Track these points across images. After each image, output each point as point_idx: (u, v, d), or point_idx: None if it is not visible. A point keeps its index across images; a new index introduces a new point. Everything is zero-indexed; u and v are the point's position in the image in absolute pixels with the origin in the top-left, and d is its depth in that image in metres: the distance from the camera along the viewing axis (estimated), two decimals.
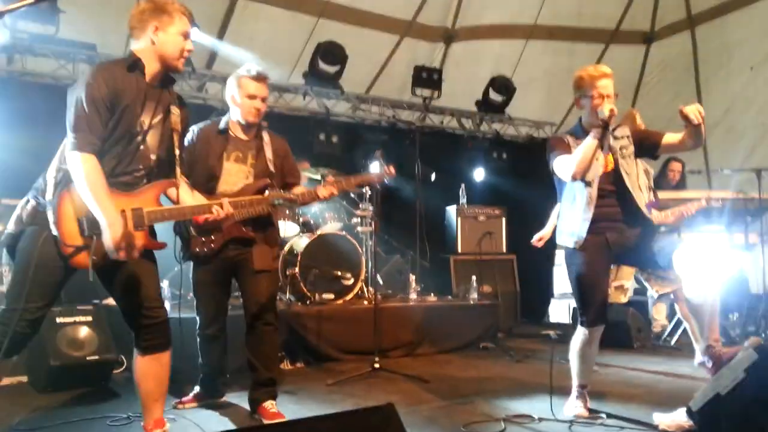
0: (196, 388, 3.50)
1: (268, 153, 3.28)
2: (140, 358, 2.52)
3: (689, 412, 2.90)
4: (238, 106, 3.22)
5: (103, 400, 3.52)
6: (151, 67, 2.49)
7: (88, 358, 3.76)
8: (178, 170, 2.59)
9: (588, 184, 3.07)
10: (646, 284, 4.78)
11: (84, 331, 3.86)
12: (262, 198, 3.00)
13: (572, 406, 3.26)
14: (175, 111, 2.56)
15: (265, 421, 3.11)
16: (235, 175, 3.23)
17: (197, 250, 3.20)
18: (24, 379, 3.87)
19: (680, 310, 4.21)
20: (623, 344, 5.04)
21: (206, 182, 3.19)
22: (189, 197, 2.65)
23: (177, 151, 2.57)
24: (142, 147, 2.47)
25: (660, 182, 5.56)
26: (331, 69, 6.77)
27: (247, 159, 3.25)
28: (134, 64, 2.45)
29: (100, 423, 3.08)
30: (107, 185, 2.32)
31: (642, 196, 3.23)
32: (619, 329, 5.03)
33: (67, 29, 5.52)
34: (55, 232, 2.32)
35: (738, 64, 7.30)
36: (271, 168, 3.26)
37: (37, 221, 2.38)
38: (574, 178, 3.03)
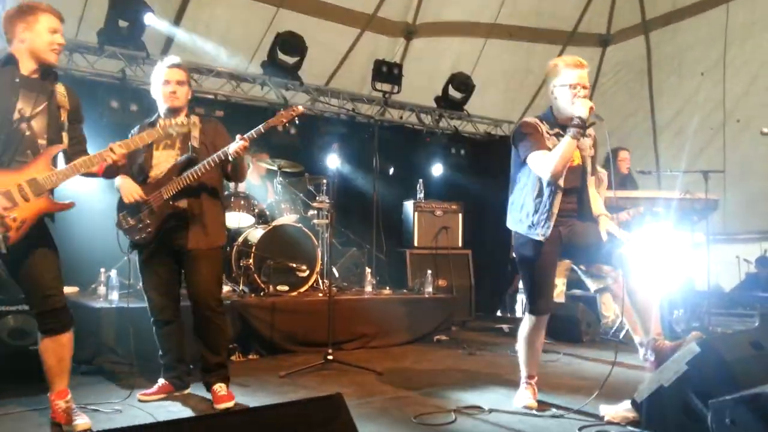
0: (160, 380, 3.44)
1: (195, 132, 3.29)
2: (42, 339, 2.74)
3: (634, 404, 2.98)
4: (159, 95, 3.30)
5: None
6: (27, 63, 2.72)
7: (31, 348, 3.63)
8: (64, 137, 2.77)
9: (559, 180, 3.07)
10: (584, 280, 4.90)
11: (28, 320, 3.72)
12: (154, 130, 2.94)
13: (522, 397, 3.31)
14: (60, 90, 2.79)
15: (215, 405, 3.14)
16: (164, 161, 3.28)
17: (136, 237, 3.24)
18: None
19: (618, 305, 4.29)
20: (573, 338, 5.16)
21: (139, 173, 3.28)
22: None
23: (66, 124, 2.79)
24: (28, 133, 2.66)
25: (620, 174, 5.69)
26: (291, 60, 6.71)
27: (176, 144, 3.30)
28: (7, 59, 2.71)
29: (40, 414, 2.99)
30: None
31: (596, 196, 3.30)
32: (569, 324, 5.14)
33: None
34: None
35: (689, 69, 7.52)
36: (195, 144, 3.28)
37: None
38: (552, 177, 3.01)
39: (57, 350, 2.74)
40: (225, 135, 3.41)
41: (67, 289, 4.45)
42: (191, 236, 3.20)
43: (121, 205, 3.28)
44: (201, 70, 6.40)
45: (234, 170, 3.34)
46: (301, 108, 3.45)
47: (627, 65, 8.22)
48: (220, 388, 3.21)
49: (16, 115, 2.64)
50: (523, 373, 3.36)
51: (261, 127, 3.26)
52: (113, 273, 4.36)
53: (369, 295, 5.45)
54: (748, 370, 2.65)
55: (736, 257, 6.52)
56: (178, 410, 3.16)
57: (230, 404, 3.16)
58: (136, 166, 3.29)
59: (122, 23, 5.77)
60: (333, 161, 6.37)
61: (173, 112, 3.29)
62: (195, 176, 3.17)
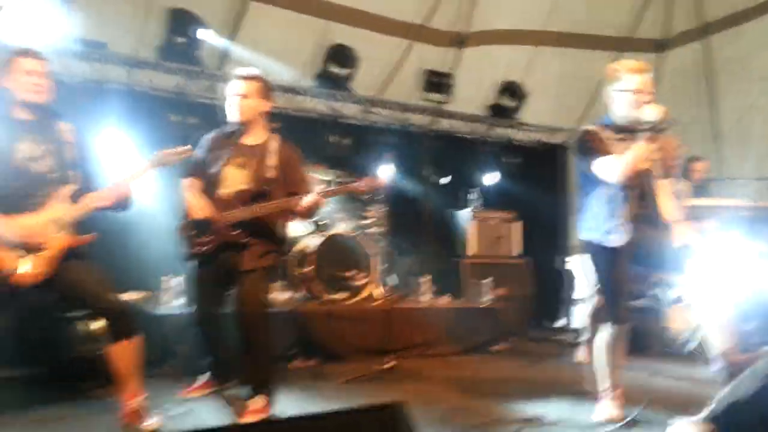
0: (203, 377, 3.56)
1: (271, 160, 3.25)
2: (111, 345, 2.81)
3: (708, 419, 2.87)
4: (228, 108, 3.29)
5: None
6: (18, 108, 2.80)
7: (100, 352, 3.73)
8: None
9: (629, 179, 3.00)
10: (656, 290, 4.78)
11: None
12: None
13: (605, 411, 3.18)
14: (65, 128, 2.87)
15: (239, 418, 3.11)
16: (234, 180, 3.25)
17: (193, 251, 3.30)
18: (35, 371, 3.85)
19: (696, 316, 4.17)
20: (639, 350, 4.97)
21: (208, 187, 3.28)
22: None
23: (74, 161, 2.85)
24: (38, 172, 2.76)
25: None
26: (342, 72, 6.77)
27: (251, 165, 3.25)
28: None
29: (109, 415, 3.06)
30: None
31: (668, 201, 3.21)
32: (635, 335, 4.96)
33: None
34: None
35: (751, 73, 7.26)
36: (270, 175, 3.23)
37: None
38: (621, 182, 2.95)
39: (126, 354, 2.82)
40: (299, 170, 3.36)
41: (133, 296, 4.60)
42: (246, 259, 3.19)
43: (184, 213, 3.35)
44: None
45: (301, 215, 3.33)
46: (384, 181, 3.48)
47: (685, 71, 7.99)
48: (255, 402, 3.15)
49: (22, 157, 2.74)
50: (605, 385, 3.22)
51: (341, 189, 3.34)
52: (177, 280, 4.45)
53: (426, 304, 5.42)
54: None
55: None
56: (231, 413, 3.19)
57: (255, 419, 3.05)
58: (208, 176, 3.29)
59: (180, 39, 5.93)
60: (385, 171, 6.40)
61: (243, 125, 3.29)
62: (260, 212, 3.17)
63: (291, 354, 4.45)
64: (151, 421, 2.84)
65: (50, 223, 2.71)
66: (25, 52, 2.80)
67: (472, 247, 6.64)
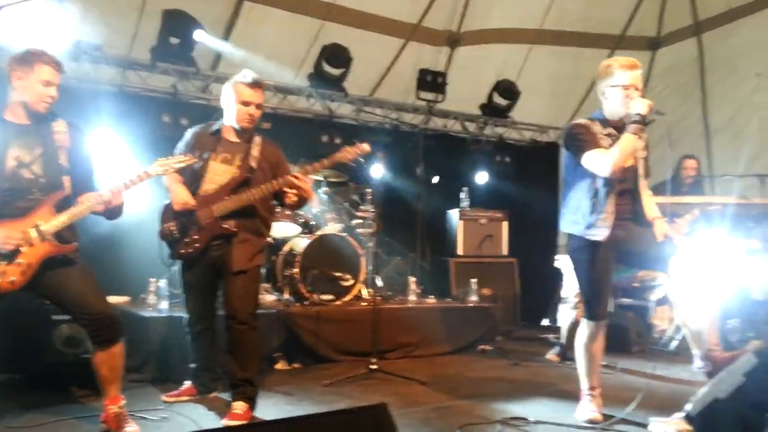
0: (187, 383, 3.57)
1: (255, 152, 3.30)
2: (94, 351, 2.83)
3: (687, 417, 2.88)
4: (233, 112, 3.28)
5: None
6: (17, 111, 2.77)
7: (83, 356, 3.75)
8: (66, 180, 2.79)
9: (616, 178, 3.02)
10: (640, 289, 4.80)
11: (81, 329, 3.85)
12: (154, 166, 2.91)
13: (584, 410, 3.20)
14: (59, 129, 2.82)
15: (223, 419, 3.11)
16: (220, 175, 3.27)
17: (182, 252, 3.28)
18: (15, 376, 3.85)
19: (677, 315, 4.18)
20: (622, 348, 5.00)
21: (192, 181, 3.28)
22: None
23: (67, 166, 2.81)
24: (30, 177, 2.72)
25: (674, 180, 5.55)
26: (336, 71, 6.78)
27: (235, 161, 3.29)
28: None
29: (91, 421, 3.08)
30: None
31: (650, 199, 3.23)
32: (619, 333, 5.00)
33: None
34: None
35: (744, 70, 7.25)
36: (254, 165, 3.28)
37: None
38: (611, 175, 2.96)
39: (109, 361, 2.82)
40: (283, 161, 3.43)
41: (118, 299, 4.63)
42: (235, 256, 3.21)
43: (167, 215, 3.34)
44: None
45: (296, 203, 3.36)
46: (367, 147, 3.49)
47: (678, 68, 7.97)
48: (238, 406, 3.15)
49: (12, 163, 2.69)
50: (585, 384, 3.25)
51: (325, 161, 3.34)
52: (162, 282, 4.47)
53: (413, 305, 5.43)
54: None
55: None
56: (216, 417, 3.20)
57: (238, 423, 3.03)
58: (189, 172, 3.27)
59: (174, 40, 5.94)
60: (377, 170, 6.40)
61: (243, 131, 3.32)
62: (249, 199, 3.20)
63: (276, 356, 4.47)
64: (132, 428, 2.85)
65: (32, 230, 2.66)
66: (50, 60, 2.73)
67: (460, 246, 6.64)
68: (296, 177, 3.25)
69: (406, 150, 7.07)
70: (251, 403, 3.22)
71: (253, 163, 3.29)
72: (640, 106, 2.92)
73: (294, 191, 3.27)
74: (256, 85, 3.27)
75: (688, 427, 2.84)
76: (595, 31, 7.88)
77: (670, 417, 2.95)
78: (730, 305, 4.48)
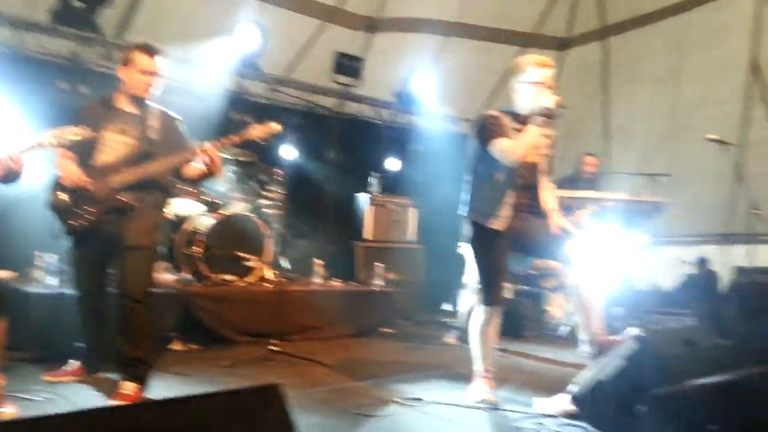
0: (74, 362, 3.39)
1: (153, 123, 3.18)
2: None
3: (573, 397, 3.03)
4: (130, 81, 3.15)
5: None
6: None
7: None
8: None
9: (518, 169, 3.11)
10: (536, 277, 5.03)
11: None
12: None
13: (477, 391, 3.29)
14: None
15: (109, 401, 2.98)
16: (116, 146, 3.13)
17: (73, 224, 3.10)
18: None
19: (569, 302, 4.41)
20: (517, 333, 5.21)
21: (85, 153, 3.10)
22: None
23: None
24: None
25: (574, 176, 5.78)
26: (250, 48, 6.61)
27: (131, 132, 3.16)
28: None
29: None
30: None
31: (549, 194, 3.35)
32: (514, 319, 5.19)
33: None
34: None
35: (644, 76, 7.67)
36: (153, 136, 3.15)
37: None
38: (514, 163, 3.04)
39: None
40: (183, 132, 3.31)
41: (2, 273, 4.32)
42: (130, 231, 3.06)
43: (58, 185, 3.15)
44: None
45: (202, 176, 3.24)
46: (279, 127, 3.39)
47: (584, 70, 8.33)
48: (127, 386, 3.03)
49: None
50: (479, 366, 3.34)
51: (233, 138, 3.22)
52: (52, 257, 4.21)
53: (318, 287, 5.40)
54: (682, 365, 2.72)
55: (676, 259, 6.70)
56: (103, 398, 3.06)
57: (126, 402, 2.89)
58: (82, 144, 3.03)
59: (77, 3, 5.59)
60: (288, 152, 6.30)
61: (141, 101, 3.18)
62: (149, 171, 3.06)
63: (173, 336, 4.32)
64: (8, 409, 2.66)
65: None
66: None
67: (368, 231, 6.67)
68: (209, 149, 3.13)
69: (319, 133, 7.01)
70: (142, 383, 3.09)
71: (152, 135, 3.16)
72: (548, 100, 3.03)
73: (203, 163, 3.16)
74: (154, 53, 3.15)
75: (572, 407, 2.99)
76: (508, 28, 8.09)
77: (555, 397, 3.09)
78: (617, 294, 4.74)
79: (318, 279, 5.53)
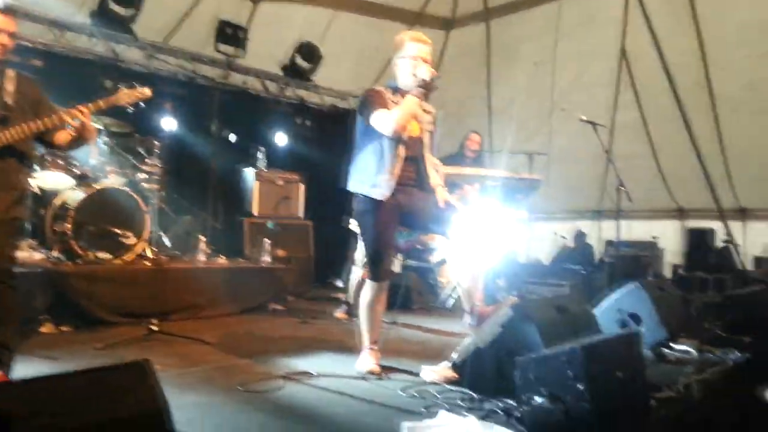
0: None
1: (9, 87, 2.89)
2: None
3: (454, 365, 3.15)
4: None
5: None
6: None
7: None
8: None
9: (401, 142, 3.19)
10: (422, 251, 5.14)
11: None
12: None
13: (365, 363, 3.32)
14: None
15: None
16: None
17: None
18: None
19: (453, 275, 4.56)
20: (405, 306, 5.32)
21: None
22: None
23: None
24: None
25: (460, 153, 5.94)
26: (124, 11, 6.19)
27: None
28: None
29: None
30: None
31: (434, 169, 3.45)
32: (402, 292, 5.31)
33: None
34: None
35: (524, 58, 8.01)
36: (9, 101, 2.87)
37: None
38: (394, 133, 3.12)
39: None
40: (47, 101, 3.01)
41: None
42: None
43: None
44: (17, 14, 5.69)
45: (72, 143, 2.99)
46: (149, 92, 3.17)
47: (469, 50, 8.56)
48: None
49: None
50: (366, 339, 3.37)
51: (100, 102, 2.96)
52: None
53: (202, 264, 5.22)
54: (552, 331, 2.90)
55: (553, 233, 7.13)
56: None
57: None
58: None
59: None
60: (168, 123, 6.00)
61: None
62: (7, 139, 2.77)
63: (42, 318, 4.01)
64: None
65: None
66: None
67: (255, 206, 6.52)
68: (80, 111, 2.88)
69: (201, 104, 6.73)
70: (5, 368, 2.84)
71: (8, 99, 2.86)
72: (424, 72, 3.16)
73: (73, 128, 2.91)
74: (8, 11, 2.85)
75: (454, 374, 3.11)
76: (397, 6, 8.13)
77: (438, 365, 3.20)
78: (498, 267, 4.96)
79: (201, 256, 5.34)
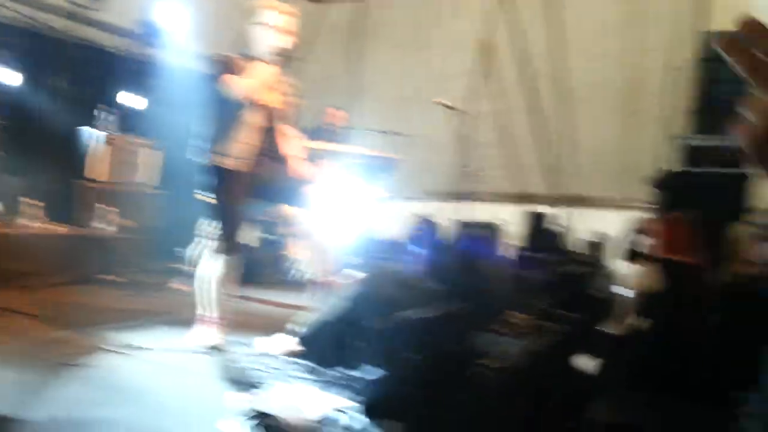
0: None
1: None
2: None
3: (300, 338, 3.13)
4: None
5: None
6: None
7: None
8: None
9: (255, 111, 3.12)
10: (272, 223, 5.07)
11: None
12: None
13: (207, 337, 3.20)
14: None
15: None
16: None
17: None
18: None
19: (303, 248, 4.50)
20: (252, 279, 5.15)
21: None
22: None
23: None
24: None
25: (318, 126, 5.85)
26: None
27: None
28: None
29: None
30: None
31: (289, 140, 3.39)
32: (250, 265, 5.14)
33: None
34: None
35: (392, 41, 8.11)
36: None
37: None
38: (245, 100, 3.06)
39: None
40: None
41: None
42: None
43: None
44: None
45: None
46: None
47: (341, 27, 8.50)
48: None
49: None
50: (212, 312, 3.24)
51: None
52: None
53: (28, 230, 4.75)
54: (395, 304, 2.96)
55: (409, 213, 7.30)
56: None
57: None
58: None
59: None
60: (4, 75, 5.37)
61: None
62: None
63: None
64: None
65: None
66: None
67: (95, 170, 5.94)
68: None
69: (44, 57, 6.09)
70: None
71: None
72: (278, 41, 3.13)
73: None
74: None
75: (298, 347, 3.08)
76: None
77: (275, 336, 3.19)
78: (352, 243, 4.98)
79: (29, 221, 4.85)
